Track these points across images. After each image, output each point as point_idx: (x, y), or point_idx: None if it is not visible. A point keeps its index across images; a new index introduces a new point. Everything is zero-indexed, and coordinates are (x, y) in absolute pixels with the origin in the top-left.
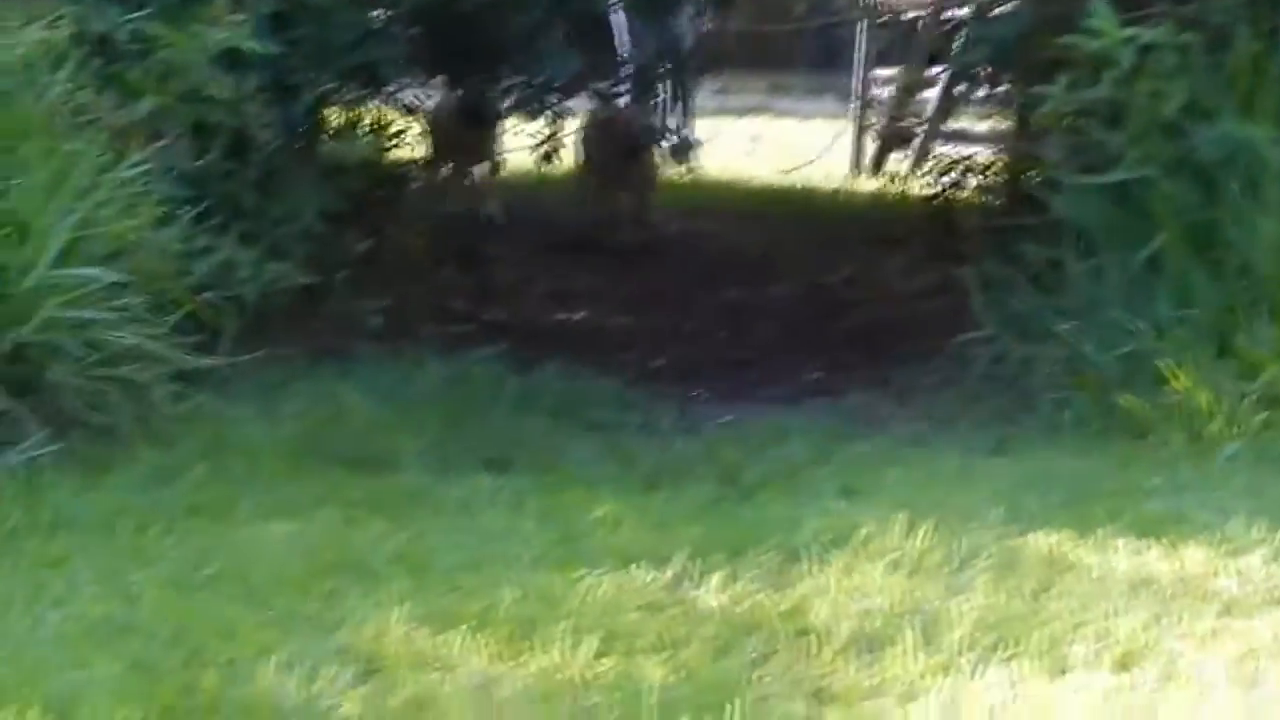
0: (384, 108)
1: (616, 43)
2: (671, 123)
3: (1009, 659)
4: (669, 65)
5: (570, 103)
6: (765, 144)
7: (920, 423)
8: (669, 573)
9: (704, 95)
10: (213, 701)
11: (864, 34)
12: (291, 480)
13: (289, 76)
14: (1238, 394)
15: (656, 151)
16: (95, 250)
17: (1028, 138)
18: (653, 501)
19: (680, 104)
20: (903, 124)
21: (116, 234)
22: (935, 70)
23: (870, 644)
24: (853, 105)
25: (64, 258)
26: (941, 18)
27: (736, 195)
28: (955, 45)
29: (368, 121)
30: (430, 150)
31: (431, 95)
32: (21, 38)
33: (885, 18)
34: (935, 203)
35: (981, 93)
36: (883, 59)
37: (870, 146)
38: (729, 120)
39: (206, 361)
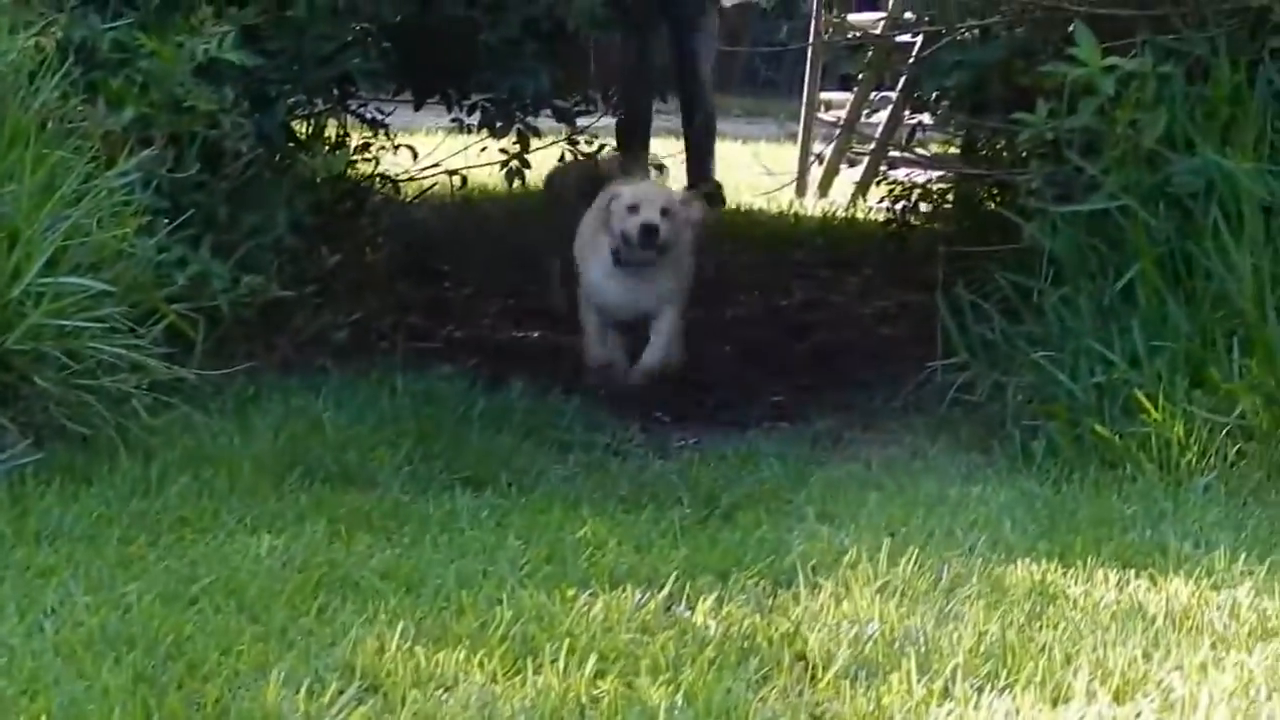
0: (353, 122)
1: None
2: None
3: (1006, 688)
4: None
5: (538, 122)
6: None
7: (891, 449)
8: (660, 594)
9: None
10: (219, 715)
11: (813, 57)
12: (273, 494)
13: (265, 88)
14: (1212, 425)
15: None
16: (81, 259)
17: (989, 164)
18: (635, 522)
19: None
20: (853, 148)
21: (101, 243)
22: (885, 94)
23: (868, 670)
24: (800, 128)
25: (50, 266)
26: (897, 41)
27: None
28: (909, 70)
29: (336, 135)
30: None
31: (397, 110)
32: (11, 45)
33: (836, 39)
34: (890, 227)
35: (936, 118)
36: (832, 82)
37: (817, 170)
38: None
39: (183, 373)
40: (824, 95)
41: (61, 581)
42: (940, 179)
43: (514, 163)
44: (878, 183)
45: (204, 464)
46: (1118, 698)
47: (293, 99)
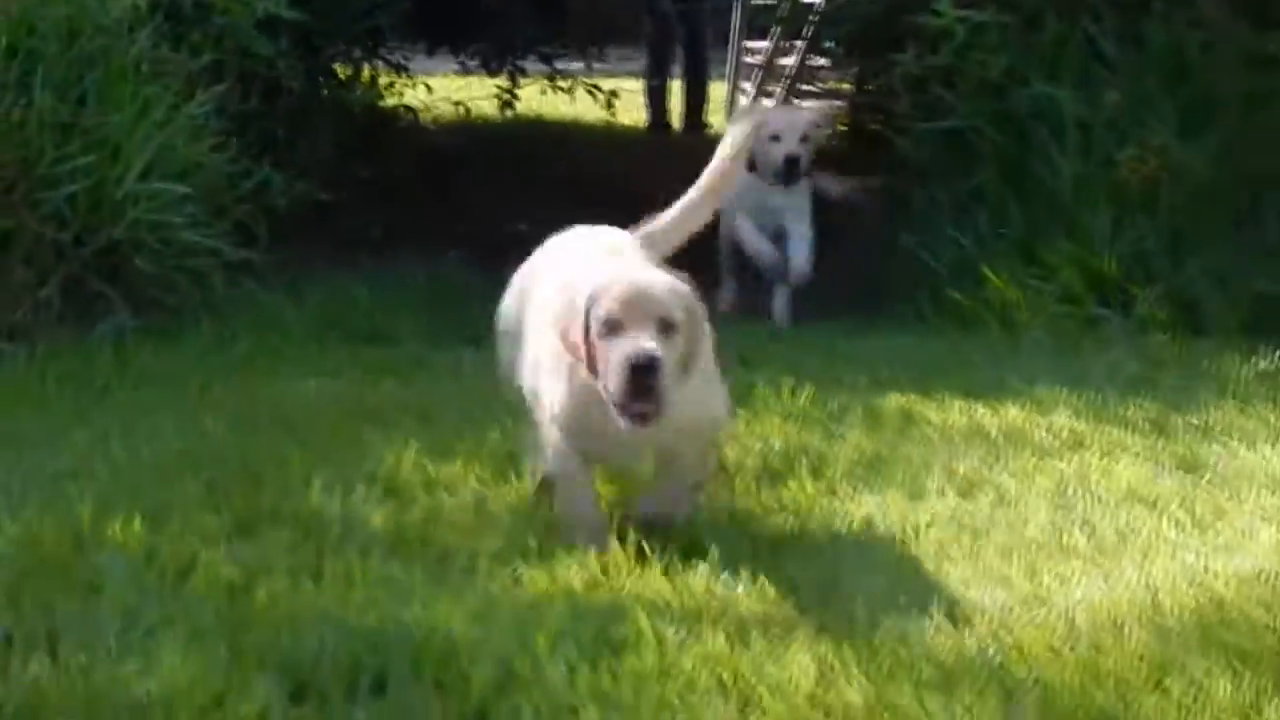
0: (382, 65)
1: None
2: None
3: (878, 488)
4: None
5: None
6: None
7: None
8: None
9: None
10: (272, 514)
11: (738, 10)
12: (318, 349)
13: (312, 38)
14: (1040, 292)
15: None
16: (170, 169)
17: (873, 95)
18: None
19: None
20: (769, 85)
21: (185, 157)
22: (794, 41)
23: (772, 475)
24: (728, 69)
25: (145, 175)
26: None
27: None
28: (812, 23)
29: (369, 75)
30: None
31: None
32: (115, 4)
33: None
34: None
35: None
36: (755, 33)
37: (743, 101)
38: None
39: (249, 256)
40: (747, 43)
41: (154, 416)
42: (837, 108)
43: (506, 95)
44: None
45: (265, 327)
46: (962, 494)
47: (334, 48)
